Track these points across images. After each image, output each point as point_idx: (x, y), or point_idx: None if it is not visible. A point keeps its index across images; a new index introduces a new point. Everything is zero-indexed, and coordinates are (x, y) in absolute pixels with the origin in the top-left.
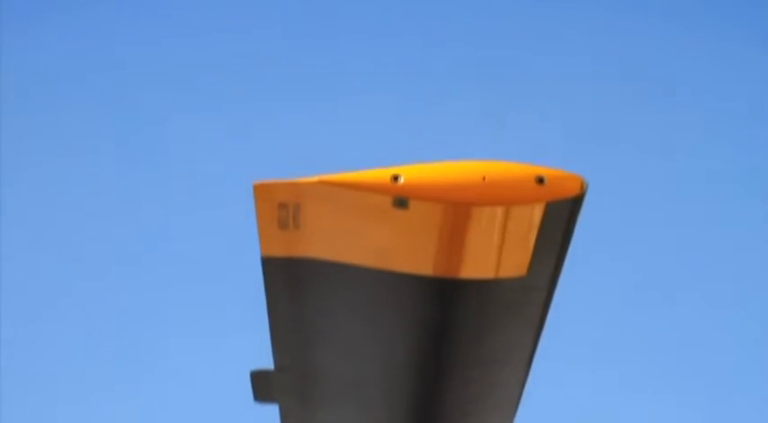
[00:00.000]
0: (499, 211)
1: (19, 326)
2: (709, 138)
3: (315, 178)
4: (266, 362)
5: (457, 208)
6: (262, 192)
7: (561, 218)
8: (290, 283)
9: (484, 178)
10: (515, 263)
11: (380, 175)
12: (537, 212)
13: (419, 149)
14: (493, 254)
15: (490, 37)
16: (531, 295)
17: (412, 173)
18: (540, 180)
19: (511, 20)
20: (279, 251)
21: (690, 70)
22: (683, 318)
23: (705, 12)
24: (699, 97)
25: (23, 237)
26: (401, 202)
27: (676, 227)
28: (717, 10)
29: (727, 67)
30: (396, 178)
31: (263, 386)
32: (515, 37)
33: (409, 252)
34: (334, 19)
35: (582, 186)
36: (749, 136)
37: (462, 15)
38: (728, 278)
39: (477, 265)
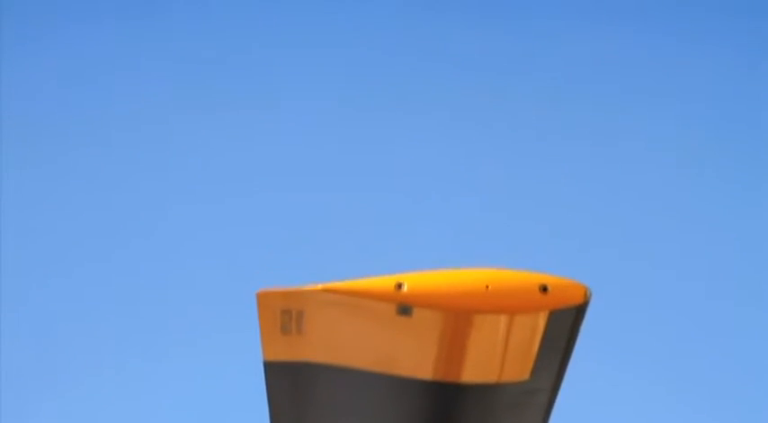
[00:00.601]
0: (502, 319)
1: None
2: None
3: (318, 286)
4: None
5: (459, 316)
6: (265, 300)
7: (565, 325)
8: (292, 387)
9: (487, 287)
10: (518, 368)
11: (384, 282)
12: (540, 321)
13: (423, 256)
14: (496, 360)
15: (488, 139)
16: (533, 397)
17: (415, 281)
18: (544, 289)
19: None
20: (281, 356)
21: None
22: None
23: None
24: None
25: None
26: (405, 310)
27: (680, 332)
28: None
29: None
30: (399, 286)
31: None
32: (511, 143)
33: (411, 357)
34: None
35: (585, 295)
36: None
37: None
38: (736, 390)
39: (479, 369)
